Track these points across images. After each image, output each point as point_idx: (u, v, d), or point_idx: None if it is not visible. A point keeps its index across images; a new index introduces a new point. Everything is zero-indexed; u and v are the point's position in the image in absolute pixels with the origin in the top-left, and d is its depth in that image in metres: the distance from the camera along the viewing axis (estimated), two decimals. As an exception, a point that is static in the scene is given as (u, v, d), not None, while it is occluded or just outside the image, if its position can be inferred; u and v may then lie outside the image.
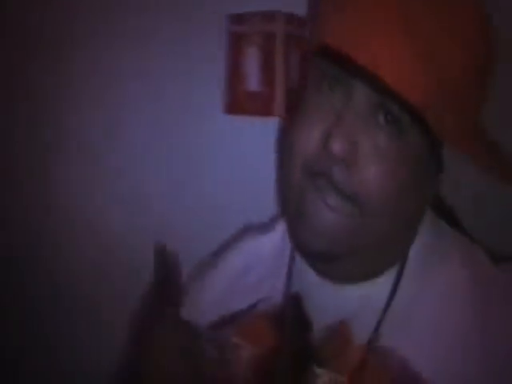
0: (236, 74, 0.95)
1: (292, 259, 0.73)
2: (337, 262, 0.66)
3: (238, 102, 0.96)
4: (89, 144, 1.07)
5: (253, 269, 0.76)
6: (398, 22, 0.57)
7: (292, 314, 0.69)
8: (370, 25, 0.58)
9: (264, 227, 0.81)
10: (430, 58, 0.57)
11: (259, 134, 0.96)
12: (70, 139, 1.07)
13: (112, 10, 1.01)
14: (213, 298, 0.76)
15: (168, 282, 0.71)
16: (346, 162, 0.60)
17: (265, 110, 0.94)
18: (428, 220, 0.69)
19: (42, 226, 1.10)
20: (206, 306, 0.74)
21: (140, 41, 1.01)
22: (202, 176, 1.02)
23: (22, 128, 1.09)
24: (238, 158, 1.00)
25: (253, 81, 0.94)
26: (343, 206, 0.61)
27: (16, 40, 1.06)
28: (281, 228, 0.76)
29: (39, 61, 1.06)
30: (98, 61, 1.03)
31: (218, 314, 0.71)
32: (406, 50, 0.56)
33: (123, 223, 1.06)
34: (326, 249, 0.63)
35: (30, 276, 1.10)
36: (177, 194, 1.04)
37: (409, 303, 0.66)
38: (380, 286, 0.67)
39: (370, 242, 0.64)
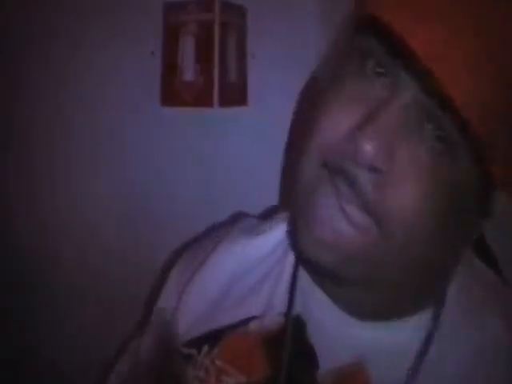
0: (172, 65, 0.91)
1: (296, 271, 0.60)
2: (349, 288, 0.54)
3: (174, 93, 0.92)
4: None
5: (242, 278, 0.63)
6: (468, 15, 0.46)
7: (292, 341, 0.57)
8: (435, 7, 0.46)
9: (259, 224, 0.68)
10: (500, 72, 0.46)
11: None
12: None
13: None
14: (196, 311, 0.63)
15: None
16: (376, 169, 0.48)
17: (202, 101, 0.90)
18: (467, 260, 0.58)
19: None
20: (189, 320, 0.63)
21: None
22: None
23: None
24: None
25: (189, 71, 0.90)
26: (362, 219, 0.49)
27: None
28: (281, 228, 0.63)
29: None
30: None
31: (201, 330, 0.61)
32: (473, 49, 0.45)
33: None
34: (331, 265, 0.50)
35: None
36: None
37: (443, 354, 0.54)
38: (410, 330, 0.55)
39: (392, 274, 0.51)
